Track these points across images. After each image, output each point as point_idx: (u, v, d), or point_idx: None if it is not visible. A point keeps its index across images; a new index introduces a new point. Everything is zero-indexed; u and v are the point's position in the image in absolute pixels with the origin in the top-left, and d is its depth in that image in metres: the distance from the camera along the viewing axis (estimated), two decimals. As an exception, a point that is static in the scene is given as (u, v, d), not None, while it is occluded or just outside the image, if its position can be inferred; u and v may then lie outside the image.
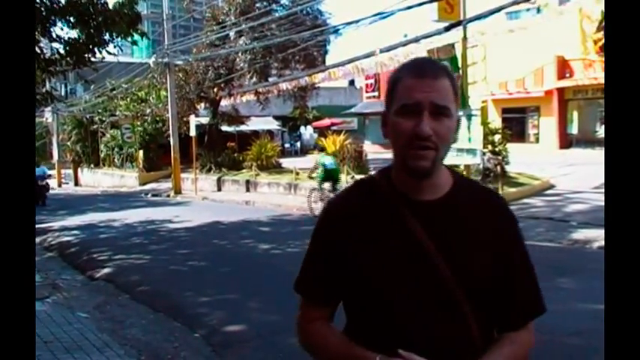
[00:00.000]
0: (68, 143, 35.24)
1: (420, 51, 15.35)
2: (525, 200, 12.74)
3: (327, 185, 13.19)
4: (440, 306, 1.33)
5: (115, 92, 29.21)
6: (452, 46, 13.62)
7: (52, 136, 37.68)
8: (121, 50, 11.46)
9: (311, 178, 14.17)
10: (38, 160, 39.74)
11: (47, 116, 37.22)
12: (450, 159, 9.92)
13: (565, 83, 25.71)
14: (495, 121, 22.31)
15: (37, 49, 9.72)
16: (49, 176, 23.28)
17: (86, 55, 9.47)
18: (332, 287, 1.43)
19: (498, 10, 12.57)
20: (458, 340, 1.34)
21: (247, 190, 19.56)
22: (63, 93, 37.90)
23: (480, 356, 1.34)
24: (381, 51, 14.98)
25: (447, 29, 13.33)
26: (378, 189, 1.42)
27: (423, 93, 1.29)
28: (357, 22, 14.60)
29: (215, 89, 23.36)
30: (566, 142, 26.69)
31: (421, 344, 1.30)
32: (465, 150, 13.19)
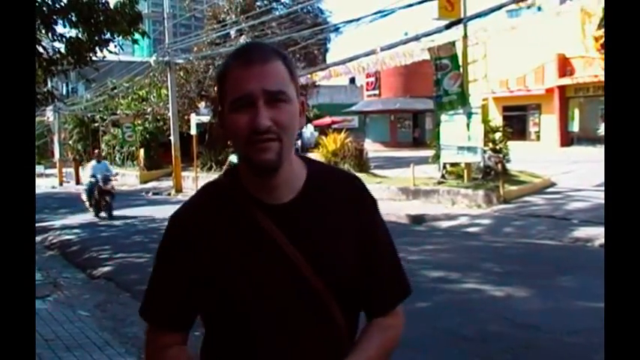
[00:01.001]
0: (69, 142, 35.30)
1: (420, 49, 15.33)
2: (526, 198, 12.73)
3: None
4: (307, 311, 1.24)
5: (116, 91, 29.25)
6: (452, 44, 13.62)
7: (53, 135, 37.72)
8: (122, 49, 11.47)
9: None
10: (39, 159, 39.82)
11: (49, 115, 37.24)
12: (451, 157, 9.99)
13: (566, 81, 25.68)
14: (496, 119, 22.29)
15: (38, 49, 9.74)
16: (116, 176, 16.35)
17: (87, 54, 9.48)
18: (187, 310, 1.30)
19: (499, 7, 12.57)
20: (327, 343, 1.26)
21: (248, 188, 19.52)
22: (64, 92, 37.92)
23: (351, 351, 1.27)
24: (382, 49, 14.96)
25: (448, 27, 13.33)
26: (227, 195, 1.29)
27: (253, 82, 1.18)
28: (357, 20, 14.60)
29: (216, 88, 23.35)
30: (568, 139, 26.67)
31: (287, 356, 1.24)
32: (466, 148, 13.20)
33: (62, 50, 9.39)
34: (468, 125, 13.14)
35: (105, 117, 31.15)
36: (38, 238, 12.21)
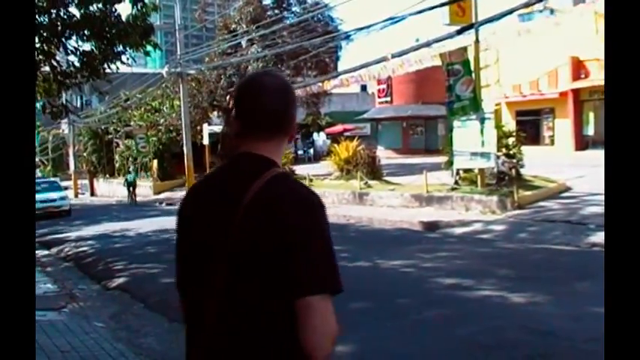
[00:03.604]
0: (84, 154, 35.66)
1: (431, 55, 15.30)
2: (541, 203, 12.59)
3: None
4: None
5: (128, 103, 29.52)
6: (464, 49, 13.57)
7: (68, 148, 38.14)
8: (134, 61, 11.57)
9: None
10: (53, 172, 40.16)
11: (64, 128, 37.70)
12: (464, 163, 9.90)
13: (580, 84, 25.42)
14: (509, 124, 22.12)
15: (53, 63, 9.87)
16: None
17: (100, 67, 9.58)
18: None
19: (510, 12, 12.49)
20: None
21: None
22: (79, 105, 38.36)
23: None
24: (393, 56, 14.95)
25: (459, 32, 13.28)
26: None
27: None
28: (368, 27, 14.61)
29: (227, 97, 23.45)
30: (582, 143, 26.36)
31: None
32: (479, 154, 13.11)
33: (76, 63, 9.49)
34: (481, 131, 13.05)
35: (118, 129, 31.44)
36: (54, 250, 12.33)
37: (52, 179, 26.78)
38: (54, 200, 20.64)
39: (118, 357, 5.04)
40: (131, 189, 25.11)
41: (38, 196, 18.28)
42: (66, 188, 25.80)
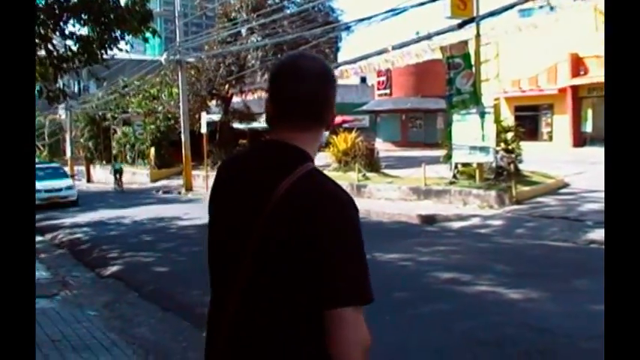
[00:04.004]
0: (81, 140, 35.49)
1: (431, 48, 15.18)
2: (539, 199, 12.55)
3: None
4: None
5: (127, 89, 29.34)
6: (465, 43, 13.47)
7: (65, 133, 37.95)
8: (132, 47, 11.46)
9: None
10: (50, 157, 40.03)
11: (60, 113, 37.48)
12: (463, 157, 9.83)
13: (579, 81, 25.37)
14: (508, 119, 22.05)
15: (49, 47, 9.74)
16: None
17: (97, 52, 9.46)
18: None
19: (511, 6, 12.40)
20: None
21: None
22: (76, 90, 38.15)
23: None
24: (393, 48, 14.83)
25: (460, 26, 13.16)
26: None
27: None
28: (368, 18, 14.49)
29: (226, 86, 23.38)
30: (581, 140, 26.35)
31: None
32: (478, 148, 13.05)
33: (73, 48, 9.38)
34: (481, 125, 12.98)
35: (116, 115, 31.26)
36: (48, 237, 12.24)
37: (56, 165, 24.42)
38: (59, 190, 18.38)
39: (110, 346, 4.98)
40: (117, 176, 25.03)
41: (41, 184, 17.11)
42: (73, 176, 25.28)
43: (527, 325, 4.97)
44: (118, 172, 25.09)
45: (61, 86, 13.91)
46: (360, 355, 1.28)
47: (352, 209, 1.34)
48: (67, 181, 19.42)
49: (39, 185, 16.75)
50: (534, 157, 15.34)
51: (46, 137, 45.52)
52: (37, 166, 18.77)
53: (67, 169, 34.20)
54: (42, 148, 46.18)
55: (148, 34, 10.10)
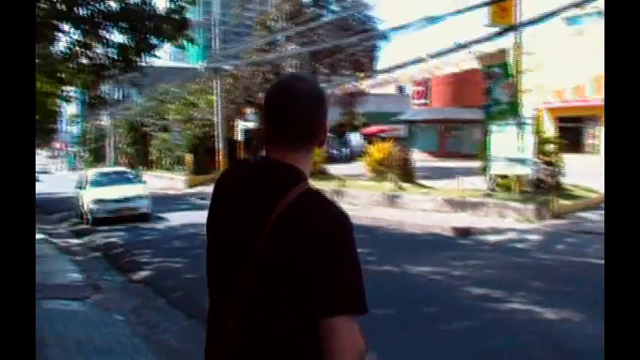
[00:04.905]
0: (123, 146, 36.36)
1: (470, 57, 14.92)
2: (581, 214, 12.11)
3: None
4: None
5: (165, 96, 29.91)
6: (504, 51, 13.16)
7: (107, 139, 38.98)
8: (172, 56, 11.66)
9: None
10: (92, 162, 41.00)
11: (103, 120, 38.53)
12: (500, 168, 9.50)
13: (626, 91, 24.55)
14: (550, 130, 21.50)
15: (88, 54, 10.00)
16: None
17: (134, 59, 9.65)
18: None
19: (554, 13, 12.00)
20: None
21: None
22: (118, 98, 39.21)
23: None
24: (431, 57, 14.62)
25: (501, 34, 12.87)
26: None
27: None
28: (405, 27, 14.32)
29: (262, 94, 23.51)
30: (627, 153, 25.47)
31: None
32: (516, 160, 12.68)
33: (110, 55, 9.59)
34: (519, 136, 12.63)
35: (155, 121, 31.91)
36: (84, 240, 12.50)
37: (122, 169, 20.91)
38: (128, 200, 14.83)
39: (134, 352, 4.98)
40: None
41: (107, 191, 14.77)
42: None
43: (560, 347, 4.74)
44: None
45: (101, 93, 14.25)
46: None
47: (347, 226, 1.40)
48: (137, 189, 15.49)
49: (105, 193, 14.74)
50: (578, 170, 14.82)
51: (92, 143, 46.79)
52: (102, 171, 17.65)
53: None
54: (86, 154, 47.53)
55: (184, 42, 10.26)
